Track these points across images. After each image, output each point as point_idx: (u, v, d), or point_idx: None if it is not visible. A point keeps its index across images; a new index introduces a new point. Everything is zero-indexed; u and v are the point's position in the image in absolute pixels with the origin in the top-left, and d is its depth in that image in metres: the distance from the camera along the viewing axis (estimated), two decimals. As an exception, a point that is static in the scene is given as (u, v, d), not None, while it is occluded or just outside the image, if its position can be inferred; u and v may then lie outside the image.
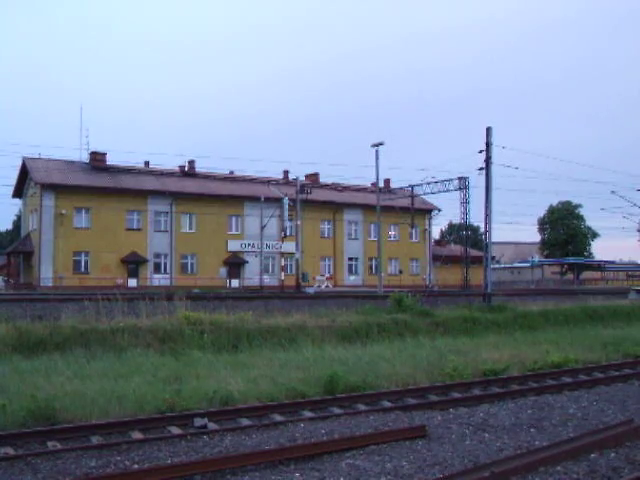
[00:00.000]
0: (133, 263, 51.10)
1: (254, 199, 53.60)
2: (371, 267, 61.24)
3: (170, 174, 56.62)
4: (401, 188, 54.91)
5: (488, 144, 29.55)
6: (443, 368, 13.31)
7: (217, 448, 8.00)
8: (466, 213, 49.79)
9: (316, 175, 63.66)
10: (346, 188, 64.14)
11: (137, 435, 8.61)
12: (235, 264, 55.22)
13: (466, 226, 52.83)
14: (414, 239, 64.20)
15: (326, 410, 10.32)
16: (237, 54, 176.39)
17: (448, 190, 47.66)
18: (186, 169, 57.88)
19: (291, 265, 54.05)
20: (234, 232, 55.67)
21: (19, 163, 52.88)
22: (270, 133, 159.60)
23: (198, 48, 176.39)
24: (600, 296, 36.67)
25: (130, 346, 14.95)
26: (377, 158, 42.17)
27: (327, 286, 55.24)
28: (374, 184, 48.73)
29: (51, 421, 9.03)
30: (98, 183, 50.67)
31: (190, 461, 7.24)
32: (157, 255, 52.50)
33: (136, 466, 7.23)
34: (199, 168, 57.90)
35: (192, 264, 53.61)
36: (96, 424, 8.87)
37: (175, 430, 8.89)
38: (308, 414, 9.97)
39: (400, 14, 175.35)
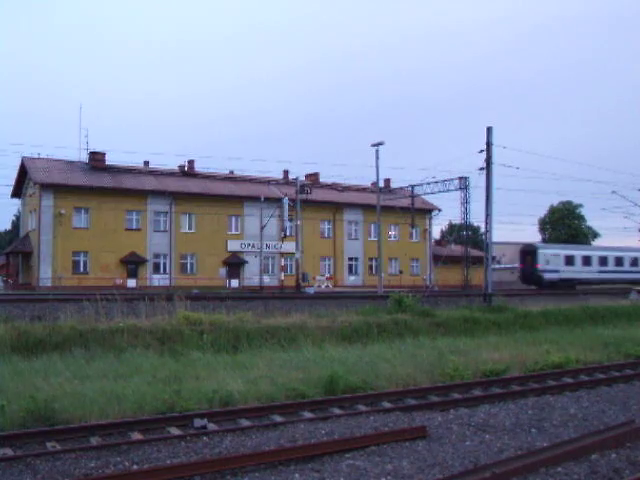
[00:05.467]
0: (132, 263, 51.07)
1: (254, 199, 53.59)
2: (371, 267, 61.23)
3: (170, 174, 56.62)
4: (401, 188, 54.89)
5: (489, 144, 29.53)
6: (443, 368, 13.28)
7: (217, 449, 7.97)
8: (466, 213, 49.80)
9: (316, 175, 63.67)
10: (346, 188, 64.13)
11: (137, 436, 8.58)
12: (235, 264, 55.21)
13: (466, 226, 52.79)
14: (414, 239, 64.20)
15: (326, 411, 10.29)
16: (237, 54, 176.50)
17: (448, 190, 47.61)
18: (186, 169, 57.87)
19: (291, 265, 54.05)
20: (234, 232, 55.66)
21: (18, 163, 52.93)
22: (270, 133, 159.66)
23: (198, 48, 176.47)
24: (600, 296, 36.66)
25: (129, 346, 14.93)
26: (377, 158, 42.18)
27: (327, 286, 55.24)
28: (374, 184, 48.73)
29: (50, 422, 9.00)
30: (97, 183, 50.65)
31: (190, 462, 7.21)
32: (156, 255, 52.48)
33: (136, 467, 7.20)
34: (199, 168, 57.92)
35: (192, 264, 53.60)
36: (95, 425, 8.84)
37: (175, 431, 8.86)
38: (308, 415, 9.95)
39: (400, 14, 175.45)
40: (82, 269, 49.34)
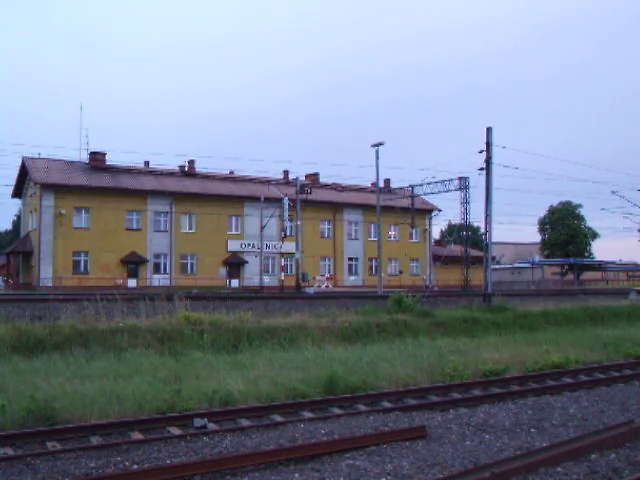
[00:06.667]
0: (133, 263, 51.09)
1: (254, 199, 53.61)
2: (371, 267, 61.24)
3: (170, 174, 56.62)
4: (401, 188, 54.90)
5: (488, 144, 29.50)
6: (443, 368, 13.28)
7: (217, 448, 7.97)
8: (466, 213, 49.78)
9: (316, 175, 63.66)
10: (346, 188, 64.14)
11: (137, 435, 8.59)
12: (235, 264, 55.21)
13: (466, 226, 52.74)
14: (414, 239, 64.21)
15: (326, 410, 10.29)
16: (237, 54, 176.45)
17: (448, 190, 47.65)
18: (186, 169, 57.88)
19: (291, 265, 54.06)
20: (234, 232, 55.67)
21: (19, 163, 52.93)
22: (270, 133, 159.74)
23: (198, 48, 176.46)
24: (600, 296, 36.64)
25: (130, 346, 14.92)
26: (377, 158, 42.17)
27: (327, 286, 55.25)
28: (374, 184, 48.71)
29: (50, 421, 9.01)
30: (98, 183, 50.67)
31: (190, 461, 7.22)
32: (157, 255, 52.51)
33: (136, 466, 7.21)
34: (199, 168, 57.94)
35: (192, 264, 53.61)
36: (96, 424, 8.85)
37: (175, 430, 8.87)
38: (308, 414, 9.95)
39: (400, 14, 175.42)
40: (82, 269, 49.36)
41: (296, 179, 50.80)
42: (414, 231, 60.60)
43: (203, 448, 7.99)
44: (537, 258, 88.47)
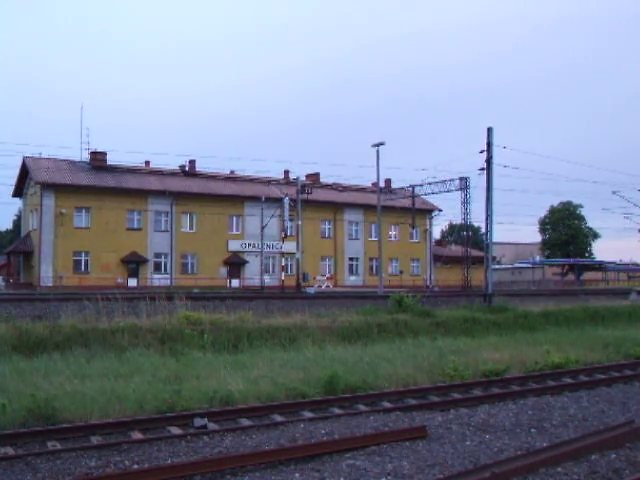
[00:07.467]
0: (133, 263, 51.10)
1: (255, 199, 53.60)
2: (372, 267, 61.22)
3: (171, 174, 56.63)
4: (402, 188, 54.83)
5: (489, 144, 29.47)
6: (444, 368, 13.28)
7: (217, 448, 7.98)
8: (467, 213, 49.69)
9: (317, 175, 63.64)
10: (347, 188, 64.12)
11: (137, 435, 8.59)
12: (235, 264, 55.21)
13: (467, 226, 52.65)
14: (415, 239, 64.19)
15: (326, 410, 10.30)
16: (237, 54, 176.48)
17: (449, 190, 47.58)
18: (187, 169, 57.88)
19: (291, 265, 54.05)
20: (235, 232, 55.67)
21: (19, 162, 52.96)
22: (271, 133, 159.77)
23: (198, 48, 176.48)
24: (601, 297, 36.62)
25: (130, 346, 14.93)
26: (378, 158, 42.18)
27: (327, 286, 55.22)
28: (375, 184, 48.74)
29: (51, 421, 9.02)
30: (98, 183, 50.68)
31: (190, 461, 7.22)
32: (157, 255, 52.51)
33: (136, 466, 7.21)
34: (200, 168, 57.93)
35: (192, 264, 53.61)
36: (96, 424, 8.86)
37: (175, 430, 8.87)
38: (308, 414, 9.95)
39: (400, 14, 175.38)
40: (83, 269, 49.37)
41: (297, 179, 50.79)
42: (415, 231, 60.59)
43: (203, 448, 7.99)
44: (538, 258, 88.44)
